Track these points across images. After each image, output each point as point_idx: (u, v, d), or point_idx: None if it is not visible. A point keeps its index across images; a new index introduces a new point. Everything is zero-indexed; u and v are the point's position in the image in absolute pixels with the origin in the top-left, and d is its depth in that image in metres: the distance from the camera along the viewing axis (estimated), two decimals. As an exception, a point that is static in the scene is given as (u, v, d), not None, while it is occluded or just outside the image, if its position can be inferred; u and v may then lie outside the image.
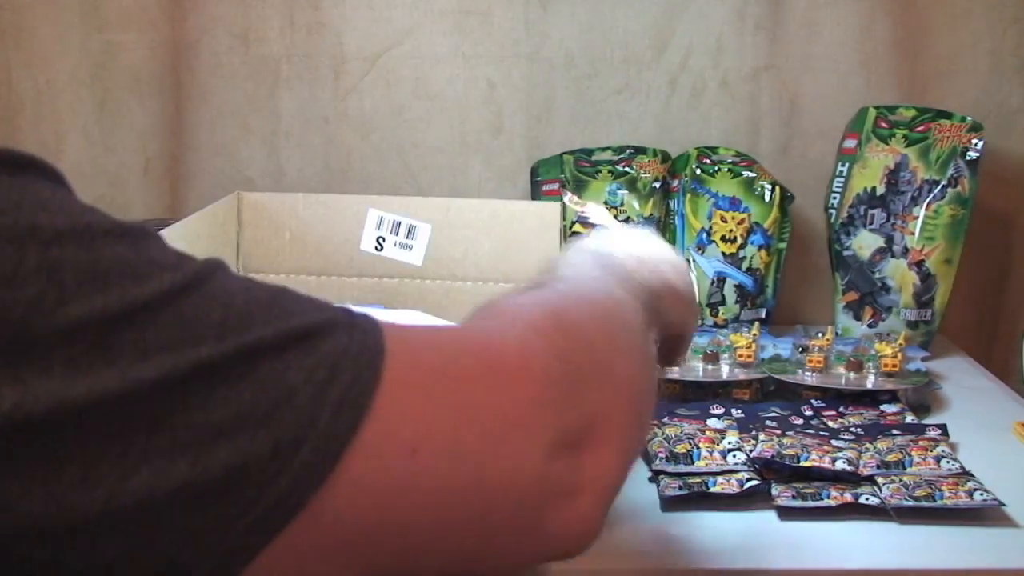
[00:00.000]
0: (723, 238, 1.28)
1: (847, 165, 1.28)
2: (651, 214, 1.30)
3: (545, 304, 0.54)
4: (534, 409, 0.47)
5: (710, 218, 1.29)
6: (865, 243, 1.26)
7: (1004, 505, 0.85)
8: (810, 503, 0.86)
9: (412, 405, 0.44)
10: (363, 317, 0.45)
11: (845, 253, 1.27)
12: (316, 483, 0.41)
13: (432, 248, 1.15)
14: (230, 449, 0.39)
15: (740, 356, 1.11)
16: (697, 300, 0.81)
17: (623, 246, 0.71)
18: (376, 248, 1.14)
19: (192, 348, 0.39)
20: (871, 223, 1.26)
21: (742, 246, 1.28)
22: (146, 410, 0.38)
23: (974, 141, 1.24)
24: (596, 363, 0.52)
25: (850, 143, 1.28)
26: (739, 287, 1.27)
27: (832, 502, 0.86)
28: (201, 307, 0.40)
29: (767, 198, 1.29)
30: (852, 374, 1.10)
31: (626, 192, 1.30)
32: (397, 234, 1.13)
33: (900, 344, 1.11)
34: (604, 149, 1.33)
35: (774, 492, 0.88)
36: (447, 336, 0.51)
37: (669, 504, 0.88)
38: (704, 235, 1.29)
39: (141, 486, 0.37)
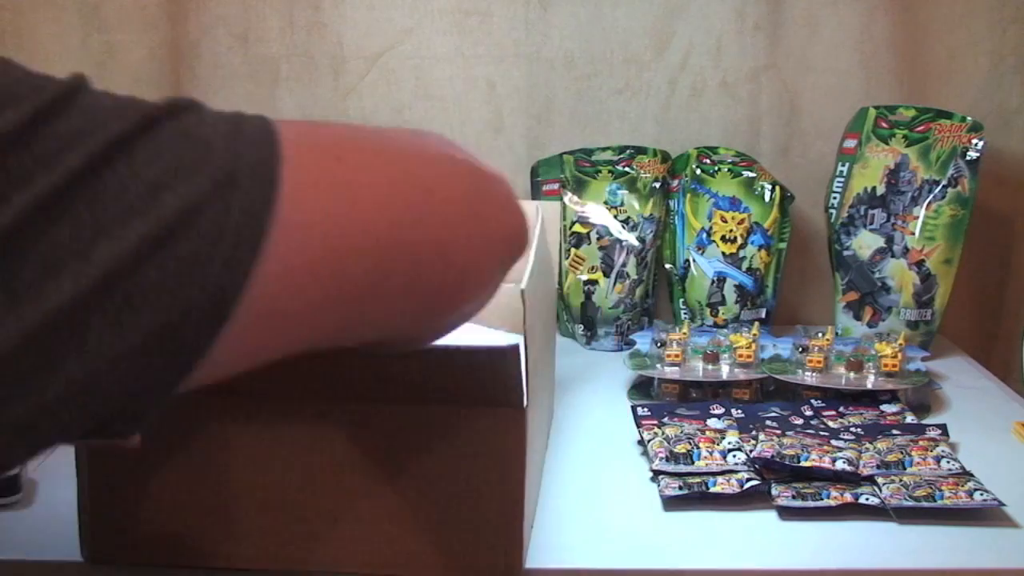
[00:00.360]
0: (723, 238, 1.28)
1: (847, 165, 1.28)
2: (651, 214, 1.30)
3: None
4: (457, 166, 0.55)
5: (710, 218, 1.29)
6: (865, 243, 1.26)
7: (1004, 505, 0.85)
8: (810, 503, 0.86)
9: (334, 136, 0.49)
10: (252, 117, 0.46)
11: (845, 253, 1.27)
12: (262, 213, 0.42)
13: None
14: (176, 196, 0.40)
15: (740, 356, 1.11)
16: None
17: None
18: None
19: (102, 131, 0.40)
20: (871, 223, 1.26)
21: (742, 246, 1.28)
22: (82, 193, 0.39)
23: (974, 141, 1.24)
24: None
25: (850, 143, 1.29)
26: (739, 287, 1.28)
27: (832, 502, 0.86)
28: (97, 103, 0.42)
29: (767, 198, 1.29)
30: (852, 374, 1.10)
31: (626, 192, 1.30)
32: None
33: (900, 344, 1.11)
34: (604, 149, 1.33)
35: (774, 492, 0.88)
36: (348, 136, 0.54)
37: (669, 504, 0.88)
38: (704, 235, 1.29)
39: (106, 258, 0.38)
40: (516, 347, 0.68)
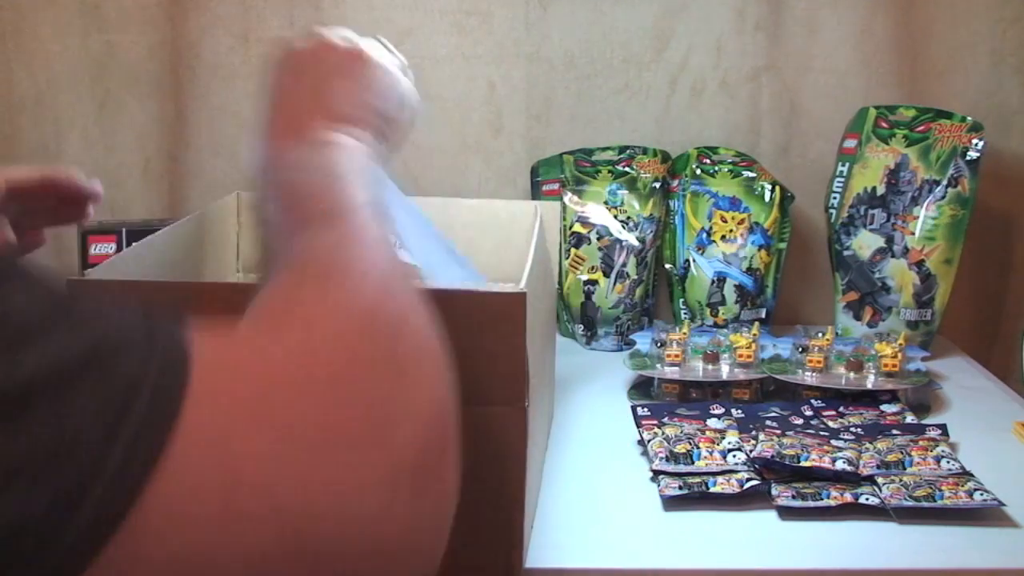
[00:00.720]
0: (723, 238, 1.28)
1: (847, 165, 1.28)
2: (651, 214, 1.30)
3: (346, 318, 0.48)
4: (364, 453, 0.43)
5: (710, 218, 1.29)
6: (865, 243, 1.26)
7: (1004, 505, 0.85)
8: (810, 503, 0.86)
9: (217, 442, 0.39)
10: (163, 321, 0.41)
11: (845, 253, 1.27)
12: (102, 539, 0.36)
13: (432, 248, 1.15)
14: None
15: (740, 356, 1.11)
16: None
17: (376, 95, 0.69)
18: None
19: None
20: (871, 223, 1.26)
21: (742, 246, 1.28)
22: None
23: (974, 141, 1.24)
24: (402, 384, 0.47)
25: (850, 143, 1.28)
26: (739, 287, 1.27)
27: (832, 502, 0.86)
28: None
29: (767, 198, 1.29)
30: (852, 374, 1.10)
31: (626, 192, 1.30)
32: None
33: (900, 344, 1.11)
34: (604, 149, 1.33)
35: (774, 492, 0.88)
36: (256, 360, 0.44)
37: (669, 504, 0.88)
38: (704, 235, 1.29)
39: None
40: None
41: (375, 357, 0.46)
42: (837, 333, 1.23)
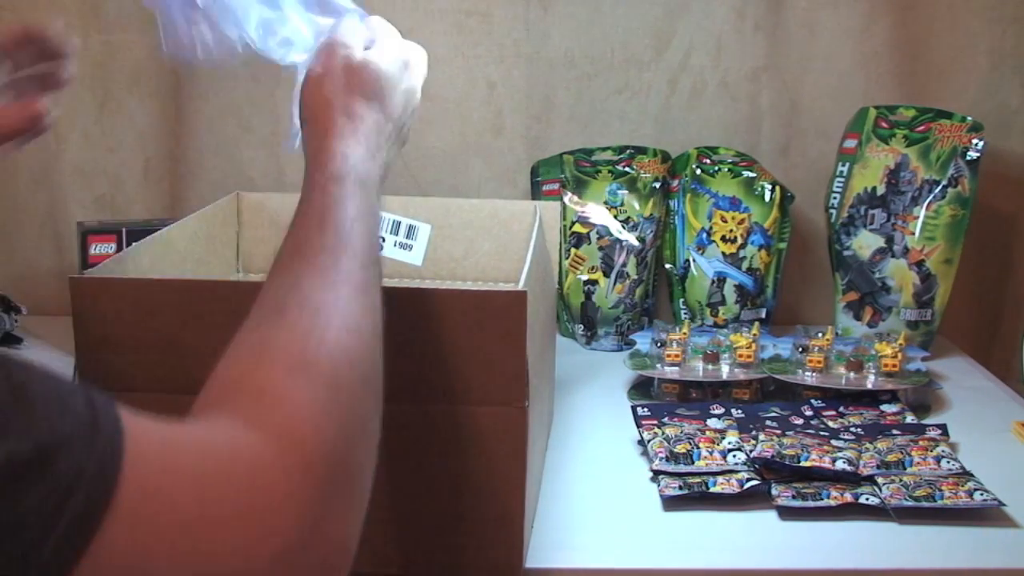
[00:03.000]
0: (723, 238, 1.28)
1: (847, 165, 1.28)
2: (651, 214, 1.30)
3: (298, 395, 0.49)
4: (280, 558, 0.44)
5: (710, 218, 1.29)
6: (865, 243, 1.26)
7: (1004, 505, 0.85)
8: (810, 503, 0.86)
9: (143, 541, 0.41)
10: (106, 417, 0.42)
11: (845, 253, 1.27)
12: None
13: (432, 248, 1.15)
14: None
15: (740, 356, 1.11)
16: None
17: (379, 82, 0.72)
18: (376, 248, 1.14)
19: None
20: (871, 223, 1.26)
21: (742, 246, 1.28)
22: None
23: (974, 141, 1.24)
24: (349, 481, 0.49)
25: (850, 143, 1.28)
26: (739, 287, 1.27)
27: (832, 502, 0.86)
28: None
29: (767, 198, 1.29)
30: (852, 374, 1.10)
31: (626, 192, 1.30)
32: (397, 234, 1.13)
33: (900, 344, 1.11)
34: (604, 149, 1.33)
35: (774, 492, 0.88)
36: (192, 452, 0.45)
37: (669, 504, 0.88)
38: (704, 235, 1.29)
39: None
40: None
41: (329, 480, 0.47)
42: (837, 333, 1.23)
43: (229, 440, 0.46)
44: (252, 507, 0.44)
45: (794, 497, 0.87)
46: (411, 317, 0.70)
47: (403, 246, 1.14)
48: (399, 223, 1.15)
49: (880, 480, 0.89)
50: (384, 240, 1.14)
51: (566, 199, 1.31)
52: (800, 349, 1.12)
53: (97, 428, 0.41)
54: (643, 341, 1.18)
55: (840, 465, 0.90)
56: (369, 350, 0.54)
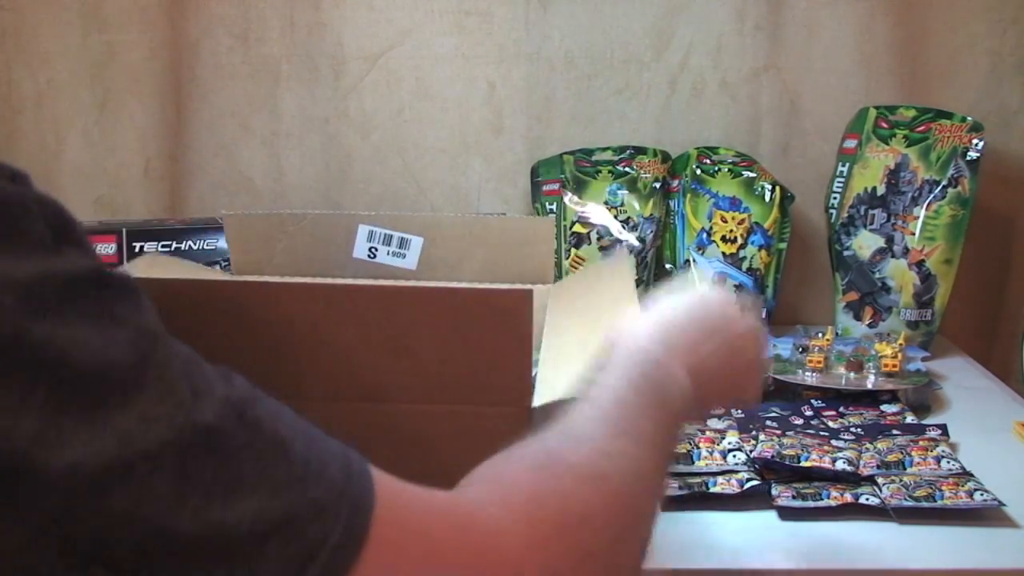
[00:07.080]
0: (723, 238, 1.28)
1: (847, 165, 1.28)
2: (651, 214, 1.30)
3: (550, 496, 0.51)
4: None
5: (710, 218, 1.29)
6: (865, 243, 1.26)
7: (1004, 505, 0.85)
8: (810, 503, 0.86)
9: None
10: (358, 487, 0.43)
11: (845, 253, 1.27)
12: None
13: (425, 256, 1.14)
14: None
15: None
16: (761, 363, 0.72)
17: (688, 318, 0.66)
18: (369, 256, 1.13)
19: (171, 519, 0.38)
20: (871, 223, 1.26)
21: (742, 246, 1.28)
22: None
23: (974, 141, 1.24)
24: None
25: (850, 143, 1.29)
26: (739, 287, 1.27)
27: (832, 502, 0.86)
28: (199, 464, 0.39)
29: (767, 198, 1.29)
30: (852, 374, 1.10)
31: (626, 192, 1.30)
32: (389, 244, 1.13)
33: (900, 344, 1.11)
34: (604, 149, 1.33)
35: (774, 492, 0.88)
36: (440, 524, 0.47)
37: (669, 504, 0.88)
38: (704, 235, 1.29)
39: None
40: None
41: None
42: (837, 333, 1.23)
43: (477, 510, 0.48)
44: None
45: (794, 497, 0.87)
46: (413, 315, 0.70)
47: (396, 255, 1.14)
48: (391, 236, 1.14)
49: (880, 480, 0.89)
50: (376, 251, 1.13)
51: (566, 199, 1.31)
52: (800, 349, 1.12)
53: (348, 497, 0.42)
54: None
55: (840, 465, 0.90)
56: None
